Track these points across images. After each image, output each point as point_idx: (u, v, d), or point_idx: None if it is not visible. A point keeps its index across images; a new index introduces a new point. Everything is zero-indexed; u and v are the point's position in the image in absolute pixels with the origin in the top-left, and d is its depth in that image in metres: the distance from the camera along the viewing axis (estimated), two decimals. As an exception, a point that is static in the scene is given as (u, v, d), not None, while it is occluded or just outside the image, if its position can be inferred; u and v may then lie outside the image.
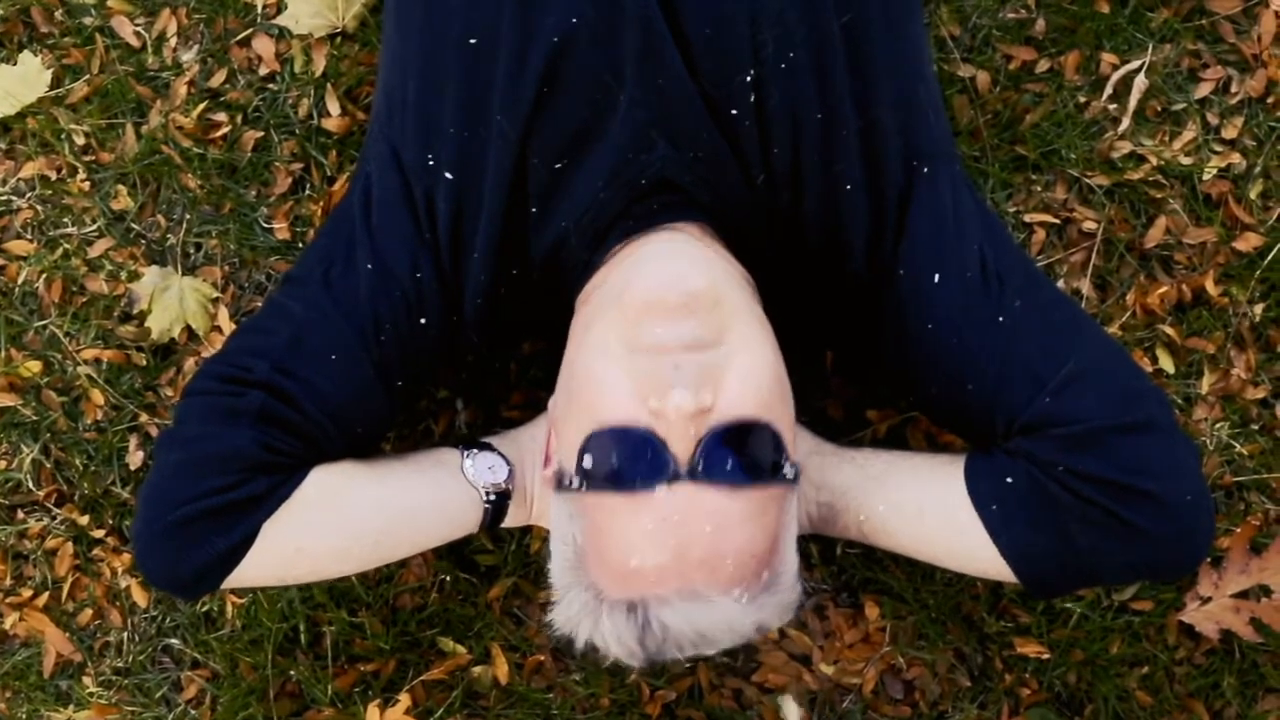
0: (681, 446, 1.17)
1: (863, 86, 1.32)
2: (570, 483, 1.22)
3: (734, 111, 1.28)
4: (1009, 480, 1.29)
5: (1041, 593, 1.36)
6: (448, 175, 1.32)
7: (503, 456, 1.43)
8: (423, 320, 1.35)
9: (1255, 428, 1.71)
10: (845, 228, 1.34)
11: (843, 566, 1.71)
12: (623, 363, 1.20)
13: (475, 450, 1.43)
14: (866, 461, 1.42)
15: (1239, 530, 1.67)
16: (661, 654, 1.21)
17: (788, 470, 1.22)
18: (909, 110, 1.38)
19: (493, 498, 1.41)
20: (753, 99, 1.28)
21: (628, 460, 1.18)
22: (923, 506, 1.35)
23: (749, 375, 1.20)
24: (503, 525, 1.45)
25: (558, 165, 1.30)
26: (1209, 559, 1.66)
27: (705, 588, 1.18)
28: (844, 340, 1.45)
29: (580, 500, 1.23)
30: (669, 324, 1.18)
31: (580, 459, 1.21)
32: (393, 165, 1.36)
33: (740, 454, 1.18)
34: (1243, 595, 1.67)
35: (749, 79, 1.28)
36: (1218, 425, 1.70)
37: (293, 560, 1.32)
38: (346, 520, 1.34)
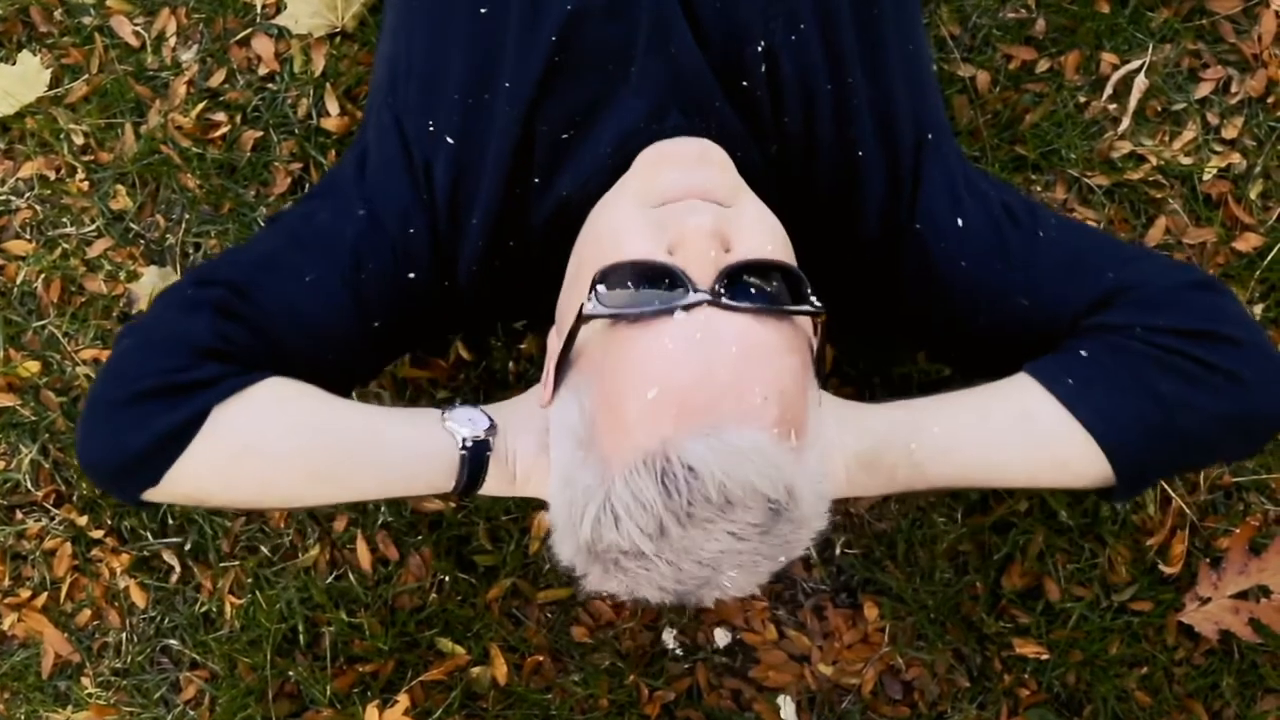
0: (701, 275, 1.08)
1: (872, 56, 1.32)
2: (583, 310, 1.11)
3: (745, 83, 1.28)
4: (1082, 353, 1.22)
5: (1128, 476, 1.22)
6: (449, 140, 1.30)
7: (485, 414, 1.27)
8: (410, 275, 1.30)
9: (1255, 428, 1.71)
10: (858, 193, 1.32)
11: (841, 567, 1.71)
12: (638, 213, 1.16)
13: (456, 407, 1.29)
14: (908, 402, 1.28)
15: (1238, 531, 1.66)
16: (690, 516, 1.03)
17: (814, 301, 1.13)
18: (917, 83, 1.38)
19: (470, 445, 1.22)
20: (764, 69, 1.28)
21: (645, 286, 1.09)
22: (987, 408, 1.23)
23: (766, 224, 1.17)
24: (482, 491, 1.27)
25: (565, 135, 1.29)
26: (1208, 560, 1.67)
27: (734, 420, 1.04)
28: (854, 303, 1.39)
29: (588, 359, 1.14)
30: (684, 171, 1.17)
31: (593, 290, 1.11)
32: (393, 132, 1.34)
33: (763, 285, 1.10)
34: (1242, 596, 1.66)
35: (759, 50, 1.27)
36: (1217, 426, 1.70)
37: (240, 460, 1.19)
38: (301, 427, 1.22)
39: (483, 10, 1.31)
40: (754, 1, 1.28)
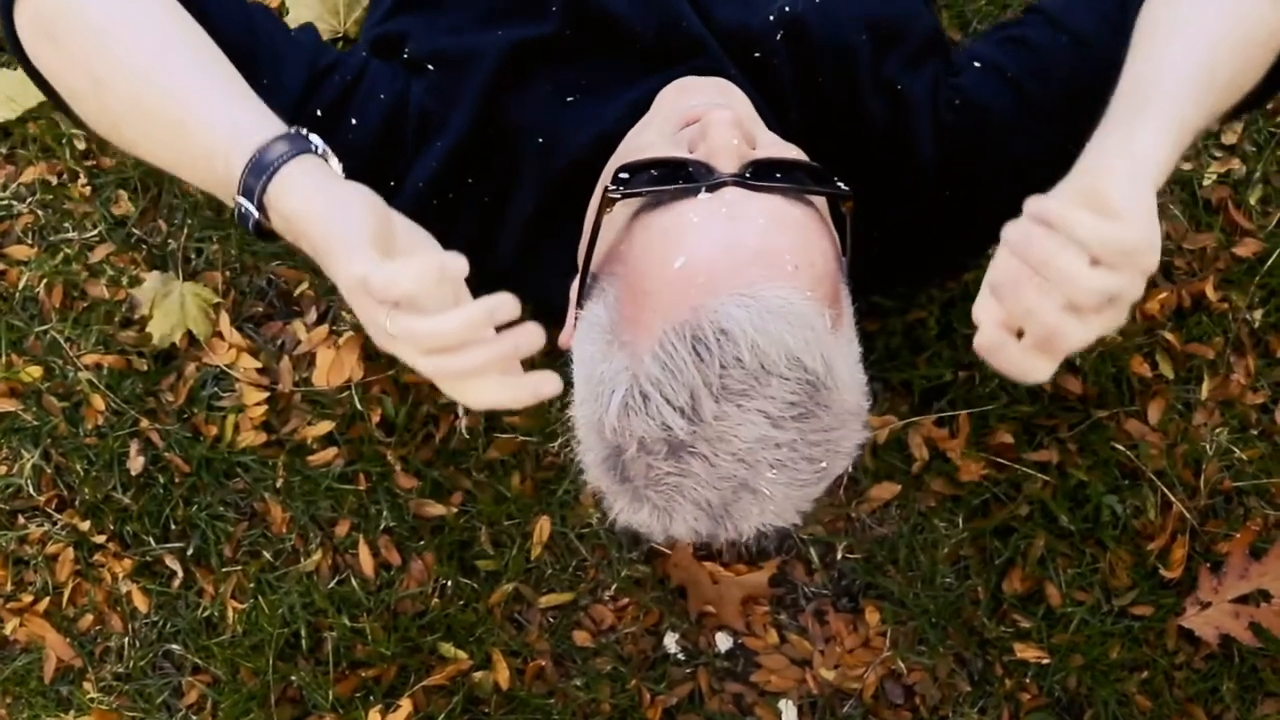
0: (726, 163, 1.04)
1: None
2: (605, 193, 1.07)
3: (756, 54, 1.27)
4: None
5: None
6: (431, 67, 1.29)
7: (321, 151, 1.06)
8: (358, 122, 1.23)
9: (1255, 433, 1.71)
10: (909, 123, 1.30)
11: (843, 572, 1.72)
12: (661, 135, 1.13)
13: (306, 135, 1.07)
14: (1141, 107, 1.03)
15: (1239, 535, 1.67)
16: (724, 388, 0.96)
17: (840, 185, 1.09)
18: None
19: (303, 135, 1.04)
20: (781, 38, 1.27)
21: (667, 174, 1.05)
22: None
23: (784, 141, 1.14)
24: (298, 200, 1.00)
25: (569, 98, 1.28)
26: (1208, 564, 1.67)
27: (766, 279, 0.98)
28: (918, 230, 1.35)
29: (613, 257, 1.08)
30: (704, 95, 1.16)
31: (615, 177, 1.07)
32: (383, 51, 1.32)
33: (789, 174, 1.06)
34: (1242, 600, 1.67)
35: (770, 19, 1.27)
36: (1217, 430, 1.70)
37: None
38: (126, 37, 1.07)
39: None
40: None
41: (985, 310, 0.91)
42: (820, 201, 1.10)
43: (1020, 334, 0.89)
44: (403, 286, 0.88)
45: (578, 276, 1.14)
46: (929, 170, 1.30)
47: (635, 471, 1.01)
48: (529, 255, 1.31)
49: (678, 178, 1.04)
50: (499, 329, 0.87)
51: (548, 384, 0.92)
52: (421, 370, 0.91)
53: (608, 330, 1.04)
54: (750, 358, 0.95)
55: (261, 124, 1.05)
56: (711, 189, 1.02)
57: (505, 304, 0.87)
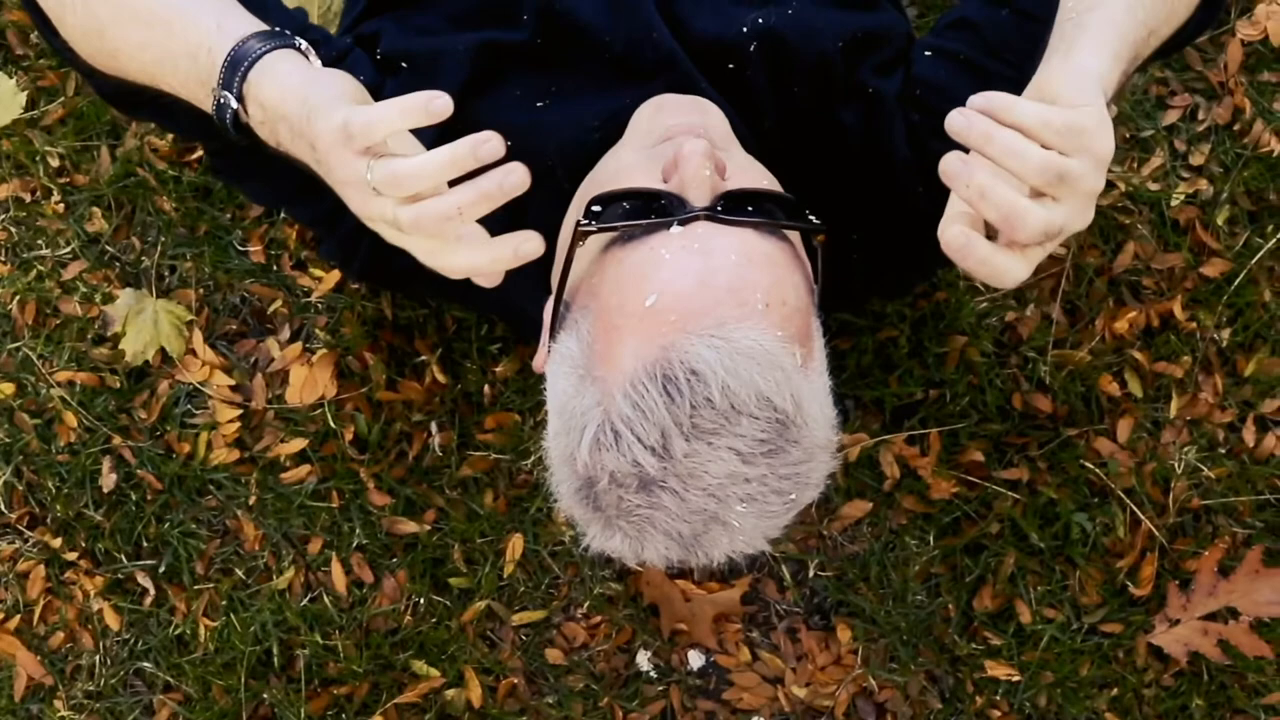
0: (698, 195, 1.04)
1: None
2: (578, 227, 1.07)
3: (731, 65, 1.28)
4: None
5: None
6: (404, 65, 1.29)
7: (305, 51, 1.10)
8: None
9: (1223, 451, 1.73)
10: (884, 125, 1.31)
11: (814, 589, 1.72)
12: (637, 153, 1.14)
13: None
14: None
15: (1207, 553, 1.68)
16: (694, 426, 0.97)
17: (812, 219, 1.10)
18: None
19: (300, 45, 1.08)
20: (754, 49, 1.27)
21: (640, 207, 1.05)
22: None
23: (758, 166, 1.15)
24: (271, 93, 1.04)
25: (540, 104, 1.29)
26: (1177, 582, 1.68)
27: (737, 319, 0.98)
28: (894, 228, 1.35)
29: (585, 290, 1.08)
30: (680, 114, 1.16)
31: (588, 210, 1.07)
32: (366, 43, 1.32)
33: (760, 207, 1.06)
34: (1211, 617, 1.68)
35: (744, 32, 1.27)
36: (1185, 449, 1.71)
37: None
38: None
39: None
40: None
41: (949, 219, 0.94)
42: (794, 234, 1.11)
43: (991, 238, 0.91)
44: (388, 122, 0.90)
45: (551, 299, 1.14)
46: (904, 170, 1.30)
47: (607, 502, 1.01)
48: None
49: (650, 211, 1.04)
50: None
51: (529, 243, 0.94)
52: (404, 227, 0.92)
53: (580, 365, 1.04)
54: (721, 398, 0.96)
55: (246, 22, 1.09)
56: (683, 223, 1.03)
57: (489, 140, 0.89)
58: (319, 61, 1.09)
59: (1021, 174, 0.89)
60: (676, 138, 1.12)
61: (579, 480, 1.03)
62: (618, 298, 1.03)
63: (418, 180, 0.90)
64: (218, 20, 1.07)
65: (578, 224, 1.07)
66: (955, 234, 0.91)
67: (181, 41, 1.08)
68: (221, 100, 1.05)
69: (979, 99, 0.90)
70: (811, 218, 1.10)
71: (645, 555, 1.04)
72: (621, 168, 1.14)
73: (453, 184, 0.93)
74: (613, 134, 1.23)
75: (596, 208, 1.07)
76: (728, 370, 0.96)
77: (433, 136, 1.24)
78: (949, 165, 0.91)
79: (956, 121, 0.90)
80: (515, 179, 0.89)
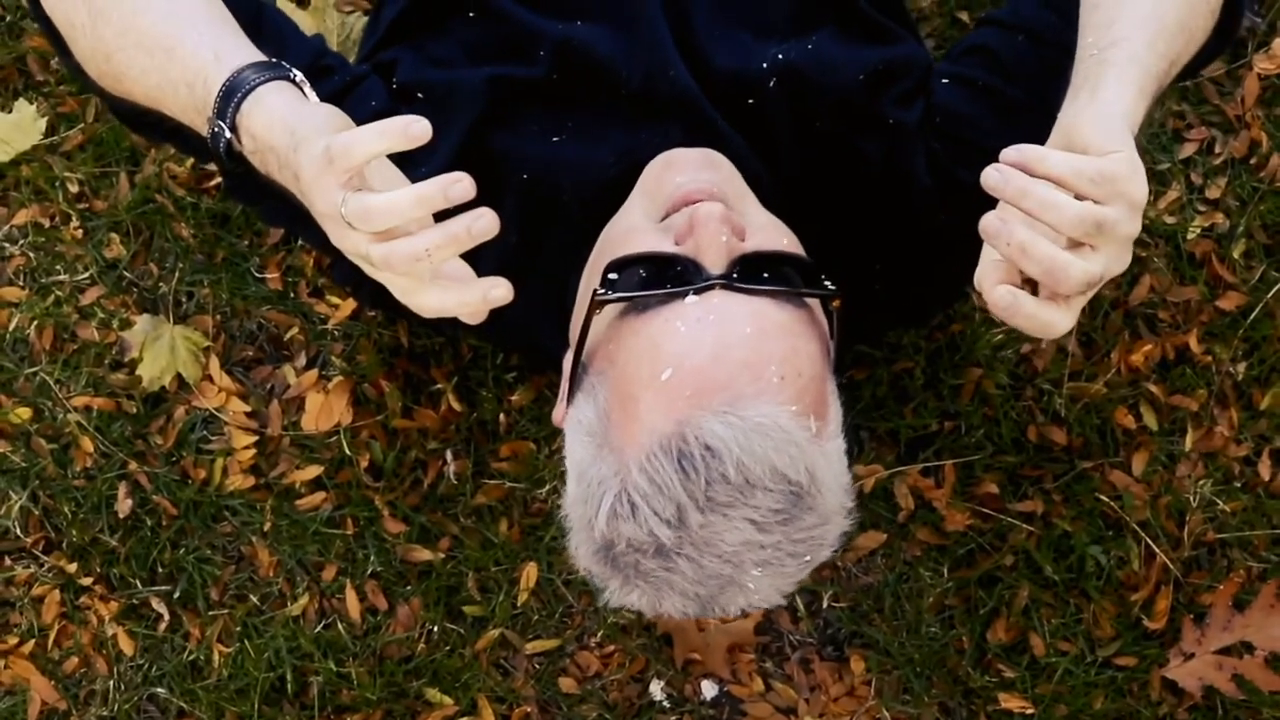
0: (714, 260, 1.05)
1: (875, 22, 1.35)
2: (595, 296, 1.08)
3: (750, 100, 1.28)
4: None
5: None
6: (419, 96, 1.30)
7: (297, 82, 1.09)
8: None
9: (1238, 485, 1.72)
10: (905, 155, 1.31)
11: (828, 620, 1.72)
12: (648, 221, 1.15)
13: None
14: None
15: (1222, 587, 1.68)
16: (710, 500, 0.98)
17: (828, 285, 1.10)
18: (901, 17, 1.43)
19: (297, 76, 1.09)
20: (774, 84, 1.27)
21: (655, 274, 1.06)
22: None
23: (775, 223, 1.15)
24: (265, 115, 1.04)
25: (556, 139, 1.29)
26: (1192, 615, 1.68)
27: (752, 394, 0.99)
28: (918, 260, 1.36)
29: (602, 356, 1.10)
30: (690, 172, 1.16)
31: (604, 278, 1.08)
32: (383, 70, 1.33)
33: (776, 272, 1.07)
34: (1226, 651, 1.68)
35: (764, 67, 1.27)
36: (1201, 482, 1.71)
37: None
38: None
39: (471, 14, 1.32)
40: (744, 23, 1.29)
41: (987, 276, 0.94)
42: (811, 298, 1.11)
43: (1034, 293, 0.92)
44: (367, 143, 0.90)
45: (570, 353, 1.15)
46: (925, 198, 1.30)
47: (625, 564, 1.04)
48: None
49: (665, 278, 1.05)
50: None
51: (497, 289, 0.95)
52: (375, 263, 0.92)
53: (597, 433, 1.06)
54: (735, 474, 0.97)
55: (244, 52, 1.10)
56: (699, 292, 1.04)
57: (459, 181, 0.89)
58: (314, 95, 1.09)
59: (1059, 226, 0.90)
60: (691, 199, 1.12)
61: (597, 544, 1.05)
62: (633, 368, 1.04)
63: (387, 216, 0.90)
64: (216, 50, 1.09)
65: (595, 293, 1.08)
66: (1002, 294, 0.92)
67: (181, 69, 1.10)
68: (216, 129, 1.06)
69: (1011, 152, 0.91)
70: (828, 283, 1.10)
71: (663, 610, 1.07)
72: (633, 228, 1.14)
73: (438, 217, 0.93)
74: (628, 172, 1.23)
75: (613, 275, 1.08)
76: (742, 447, 0.97)
77: (444, 167, 1.25)
78: (989, 224, 0.91)
79: (992, 178, 0.90)
80: (483, 224, 0.90)
